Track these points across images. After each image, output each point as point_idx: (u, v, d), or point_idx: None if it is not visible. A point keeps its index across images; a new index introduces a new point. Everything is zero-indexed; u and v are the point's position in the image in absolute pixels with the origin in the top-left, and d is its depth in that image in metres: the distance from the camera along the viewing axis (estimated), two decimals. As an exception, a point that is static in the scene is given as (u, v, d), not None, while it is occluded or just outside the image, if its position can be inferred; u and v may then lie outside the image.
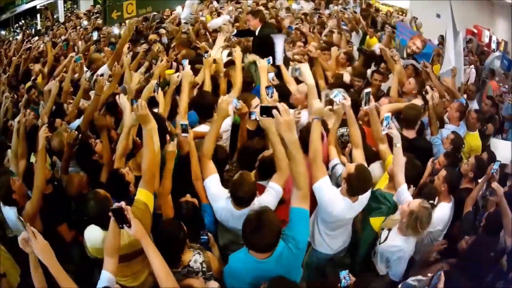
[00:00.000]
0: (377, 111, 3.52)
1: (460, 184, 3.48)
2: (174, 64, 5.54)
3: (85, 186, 3.31)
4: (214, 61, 4.39)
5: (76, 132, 3.48)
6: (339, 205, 2.81)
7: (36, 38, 10.93)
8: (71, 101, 4.60)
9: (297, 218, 2.37)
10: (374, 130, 3.43)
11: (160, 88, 3.81)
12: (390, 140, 3.28)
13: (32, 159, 3.72)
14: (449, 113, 4.42)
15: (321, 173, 2.77)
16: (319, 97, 3.70)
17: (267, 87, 3.46)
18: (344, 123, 3.37)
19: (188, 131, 3.08)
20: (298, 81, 4.21)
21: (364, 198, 2.91)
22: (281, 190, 2.80)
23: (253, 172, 2.98)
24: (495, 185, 3.08)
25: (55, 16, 13.48)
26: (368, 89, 3.45)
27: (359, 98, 3.61)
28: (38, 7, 13.40)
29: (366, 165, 3.02)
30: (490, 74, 7.48)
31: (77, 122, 3.99)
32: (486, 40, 9.03)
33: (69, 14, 13.36)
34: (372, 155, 3.45)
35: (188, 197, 2.91)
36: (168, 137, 3.11)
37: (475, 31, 9.25)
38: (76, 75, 5.32)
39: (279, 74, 4.45)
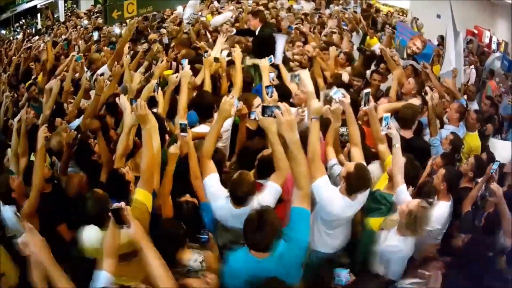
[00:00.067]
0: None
1: (459, 183, 3.47)
2: (174, 64, 5.54)
3: (85, 186, 3.31)
4: (217, 60, 4.38)
5: (75, 132, 3.47)
6: (338, 203, 2.81)
7: (37, 37, 10.94)
8: (72, 101, 4.61)
9: (298, 218, 2.37)
10: (373, 130, 3.42)
11: (160, 88, 3.81)
12: (389, 140, 3.28)
13: (33, 158, 3.72)
14: (449, 113, 4.41)
15: (320, 172, 2.77)
16: (318, 97, 3.70)
17: (267, 87, 3.45)
18: (343, 122, 3.37)
19: (186, 131, 3.08)
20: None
21: (363, 197, 2.90)
22: (280, 189, 2.80)
23: (252, 171, 2.98)
24: (494, 186, 3.06)
25: (55, 16, 13.46)
26: (367, 90, 3.45)
27: (359, 98, 3.61)
28: (38, 6, 13.38)
29: (365, 164, 3.02)
30: (490, 75, 7.48)
31: (77, 122, 4.00)
32: (487, 40, 9.03)
33: (70, 14, 13.37)
34: (371, 156, 3.44)
35: (188, 196, 2.90)
36: (167, 137, 3.11)
37: (476, 31, 9.24)
38: (77, 75, 5.33)
39: (278, 74, 4.45)
